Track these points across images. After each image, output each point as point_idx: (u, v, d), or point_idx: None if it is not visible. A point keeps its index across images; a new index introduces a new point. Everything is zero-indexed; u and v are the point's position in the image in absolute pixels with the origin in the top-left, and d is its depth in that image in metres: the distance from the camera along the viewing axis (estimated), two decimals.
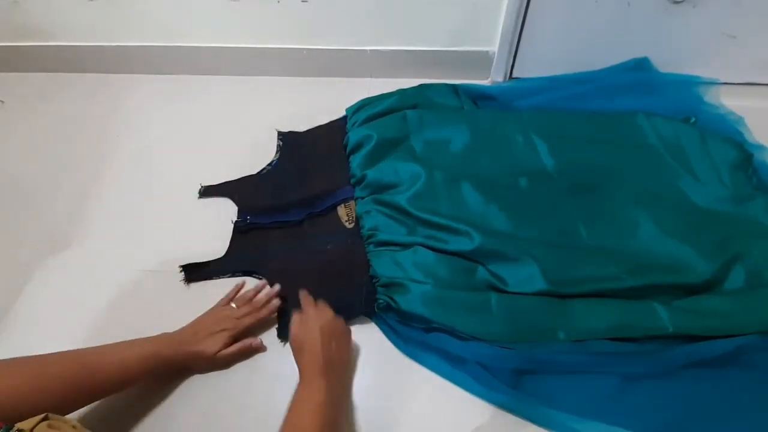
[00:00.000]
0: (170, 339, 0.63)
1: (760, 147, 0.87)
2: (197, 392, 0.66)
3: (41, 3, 1.03)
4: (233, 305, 0.69)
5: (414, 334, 0.67)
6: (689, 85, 0.98)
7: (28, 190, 0.93)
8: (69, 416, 0.49)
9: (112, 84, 1.13)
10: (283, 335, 0.70)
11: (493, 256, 0.71)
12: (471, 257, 0.71)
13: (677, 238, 0.73)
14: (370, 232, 0.77)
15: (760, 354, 0.62)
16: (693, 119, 0.91)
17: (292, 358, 0.61)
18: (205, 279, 0.77)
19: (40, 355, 0.51)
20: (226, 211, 0.85)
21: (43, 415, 0.43)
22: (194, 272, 0.77)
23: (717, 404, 0.61)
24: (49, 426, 0.43)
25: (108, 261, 0.81)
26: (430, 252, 0.72)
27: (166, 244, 0.81)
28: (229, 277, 0.77)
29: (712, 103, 0.95)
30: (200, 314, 0.68)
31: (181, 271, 0.77)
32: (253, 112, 1.05)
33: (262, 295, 0.71)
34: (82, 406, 0.54)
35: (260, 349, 0.68)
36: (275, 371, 0.68)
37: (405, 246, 0.74)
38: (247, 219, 0.83)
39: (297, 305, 0.65)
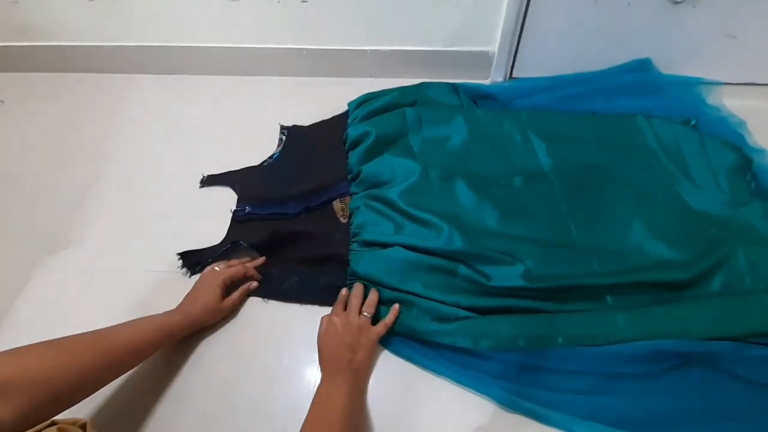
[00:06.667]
0: (175, 309, 0.68)
1: (761, 150, 0.86)
2: (193, 395, 0.66)
3: (41, 3, 1.03)
4: (216, 268, 0.74)
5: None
6: (691, 86, 0.98)
7: (28, 190, 0.93)
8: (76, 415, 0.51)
9: (112, 84, 1.13)
10: (257, 295, 0.75)
11: (476, 258, 0.71)
12: (454, 257, 0.72)
13: (667, 241, 0.73)
14: (356, 230, 0.78)
15: (734, 361, 0.62)
16: (693, 121, 0.91)
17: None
18: (201, 263, 0.78)
19: (61, 338, 0.54)
20: (227, 213, 0.85)
21: (50, 421, 0.45)
22: (190, 258, 0.79)
23: (694, 407, 0.61)
24: (59, 430, 0.45)
25: (108, 261, 0.81)
26: (410, 253, 0.72)
27: (166, 244, 0.81)
28: (220, 253, 0.78)
29: (714, 105, 0.94)
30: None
31: (179, 259, 0.78)
32: (253, 112, 1.05)
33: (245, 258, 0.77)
34: (106, 383, 0.57)
35: (255, 288, 0.75)
36: (272, 372, 0.68)
37: (385, 246, 0.74)
38: (246, 209, 0.85)
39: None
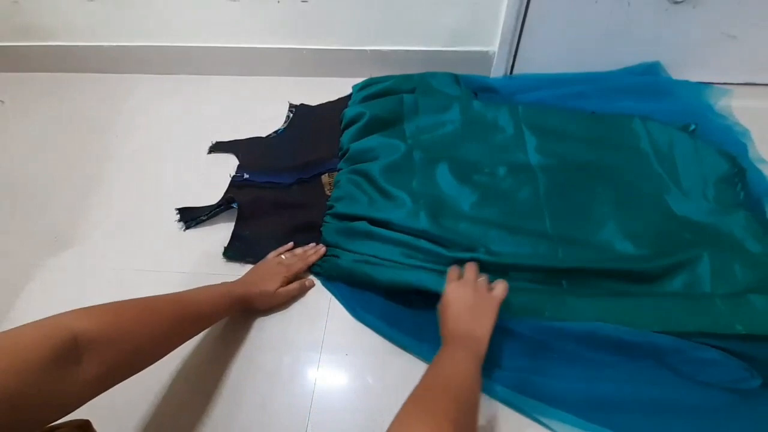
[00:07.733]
0: (237, 281, 0.71)
1: (760, 161, 0.84)
2: (193, 395, 0.66)
3: (41, 3, 1.04)
4: (283, 257, 0.76)
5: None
6: (697, 91, 0.97)
7: (28, 190, 0.93)
8: None
9: (112, 84, 1.13)
10: (227, 255, 0.79)
11: (439, 238, 0.73)
12: (418, 235, 0.74)
13: (636, 242, 0.73)
14: (332, 203, 0.82)
15: (679, 360, 0.62)
16: (693, 126, 0.89)
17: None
18: (195, 219, 0.84)
19: (143, 297, 0.55)
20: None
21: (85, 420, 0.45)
22: (187, 213, 0.85)
23: (638, 396, 0.61)
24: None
25: (108, 261, 0.81)
26: (374, 228, 0.75)
27: (165, 244, 0.81)
28: (213, 213, 0.84)
29: (720, 113, 0.93)
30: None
31: (177, 214, 0.85)
32: (253, 112, 1.05)
33: (309, 248, 0.78)
34: (178, 345, 0.57)
35: (311, 287, 0.76)
36: (272, 372, 0.68)
37: (353, 219, 0.78)
38: (244, 176, 0.90)
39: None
